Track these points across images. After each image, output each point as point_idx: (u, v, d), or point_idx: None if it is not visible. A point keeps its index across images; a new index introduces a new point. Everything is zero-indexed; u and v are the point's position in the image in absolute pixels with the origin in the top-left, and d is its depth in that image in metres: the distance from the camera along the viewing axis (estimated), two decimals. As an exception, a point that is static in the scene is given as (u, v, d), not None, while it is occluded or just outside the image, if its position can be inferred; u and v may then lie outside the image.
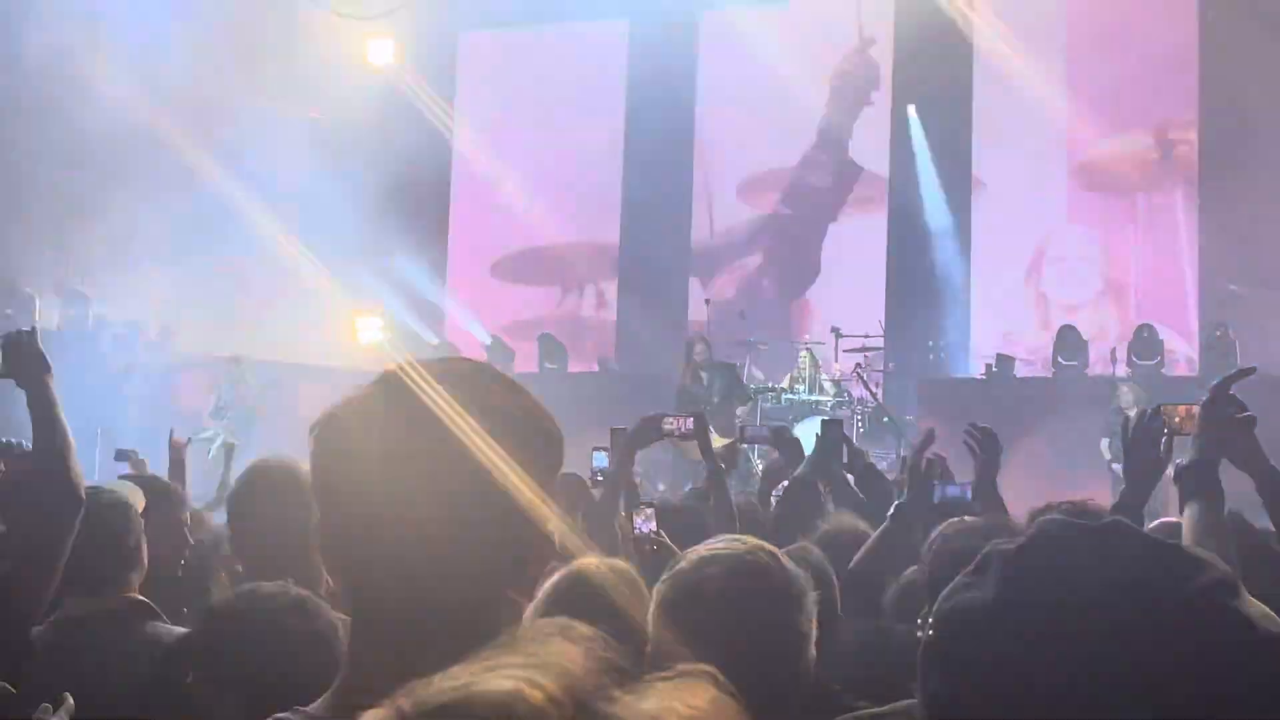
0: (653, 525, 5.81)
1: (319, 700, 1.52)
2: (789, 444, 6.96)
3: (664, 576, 2.51)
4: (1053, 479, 12.96)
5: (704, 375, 15.59)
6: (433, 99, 20.00)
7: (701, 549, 2.51)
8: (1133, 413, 4.52)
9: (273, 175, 19.06)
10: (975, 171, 18.59)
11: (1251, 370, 3.55)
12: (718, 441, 12.03)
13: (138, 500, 4.05)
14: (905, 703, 2.73)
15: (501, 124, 20.90)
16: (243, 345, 17.09)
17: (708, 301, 18.36)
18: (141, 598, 3.86)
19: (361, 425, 1.51)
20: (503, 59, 21.16)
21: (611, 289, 20.66)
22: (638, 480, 13.86)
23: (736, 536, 2.59)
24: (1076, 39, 17.95)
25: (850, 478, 6.71)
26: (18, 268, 15.52)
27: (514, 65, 20.92)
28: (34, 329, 3.61)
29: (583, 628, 0.76)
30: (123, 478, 4.62)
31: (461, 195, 21.38)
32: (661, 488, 14.96)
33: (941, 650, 1.19)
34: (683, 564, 2.47)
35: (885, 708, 2.97)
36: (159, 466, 8.44)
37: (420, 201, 20.21)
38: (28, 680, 2.89)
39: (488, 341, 19.48)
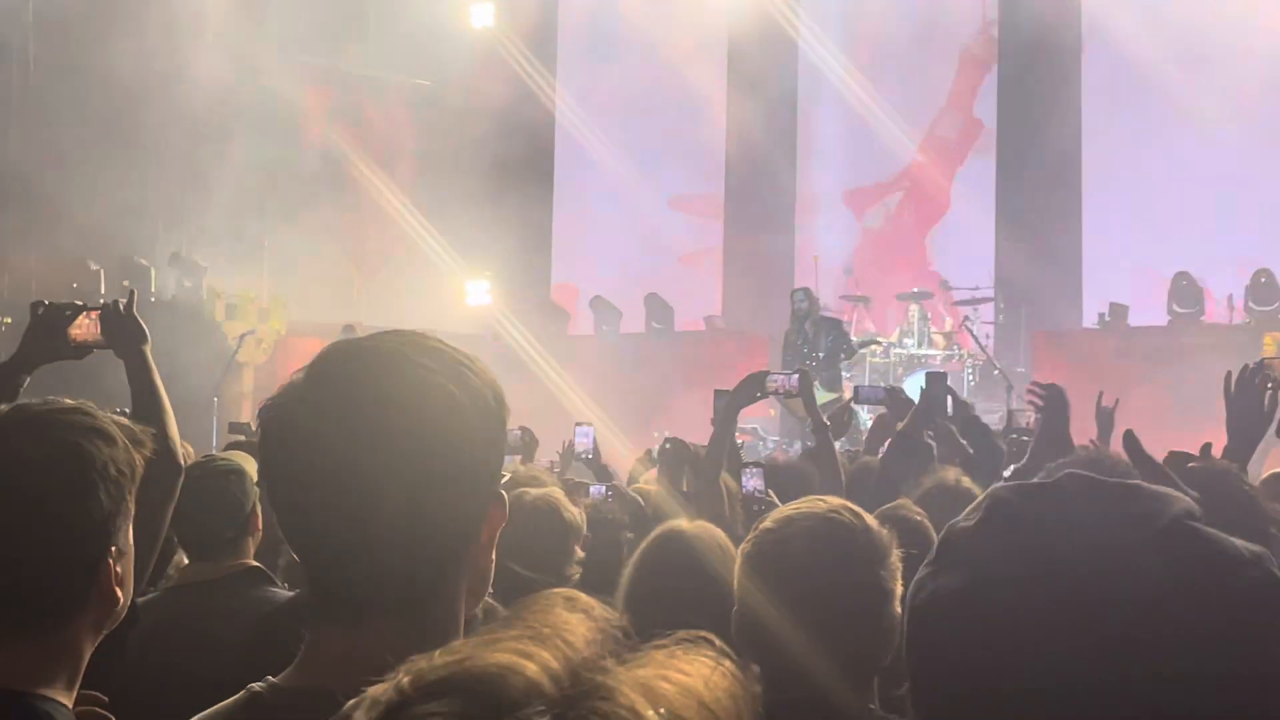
0: (760, 484, 5.83)
1: (286, 671, 1.58)
2: (903, 405, 6.91)
3: (749, 536, 2.55)
4: (1172, 429, 12.73)
5: (809, 330, 15.44)
6: (531, 61, 20.06)
7: (786, 508, 2.55)
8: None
9: (381, 141, 19.26)
10: (1085, 120, 18.28)
11: None
12: (824, 399, 12.00)
13: (251, 468, 4.14)
14: None
15: (602, 81, 20.90)
16: (354, 312, 17.33)
17: (815, 259, 18.25)
18: (256, 563, 3.95)
19: (300, 407, 1.55)
20: (601, 16, 21.13)
21: (717, 247, 20.60)
22: (748, 437, 13.91)
23: (820, 497, 2.61)
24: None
25: (955, 431, 6.66)
26: (133, 240, 15.84)
27: (612, 21, 20.89)
28: (131, 298, 3.67)
29: (585, 598, 0.77)
30: (234, 445, 4.71)
31: (564, 156, 21.42)
32: (771, 444, 14.97)
33: (920, 648, 1.18)
34: (767, 523, 2.51)
35: None
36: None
37: (524, 163, 20.29)
38: (137, 646, 2.96)
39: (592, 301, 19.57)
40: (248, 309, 16.46)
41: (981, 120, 19.41)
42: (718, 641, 0.75)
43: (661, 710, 0.68)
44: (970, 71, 19.47)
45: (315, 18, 17.38)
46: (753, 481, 5.88)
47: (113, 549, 2.00)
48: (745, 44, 19.45)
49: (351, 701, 0.71)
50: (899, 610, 2.44)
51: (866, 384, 12.05)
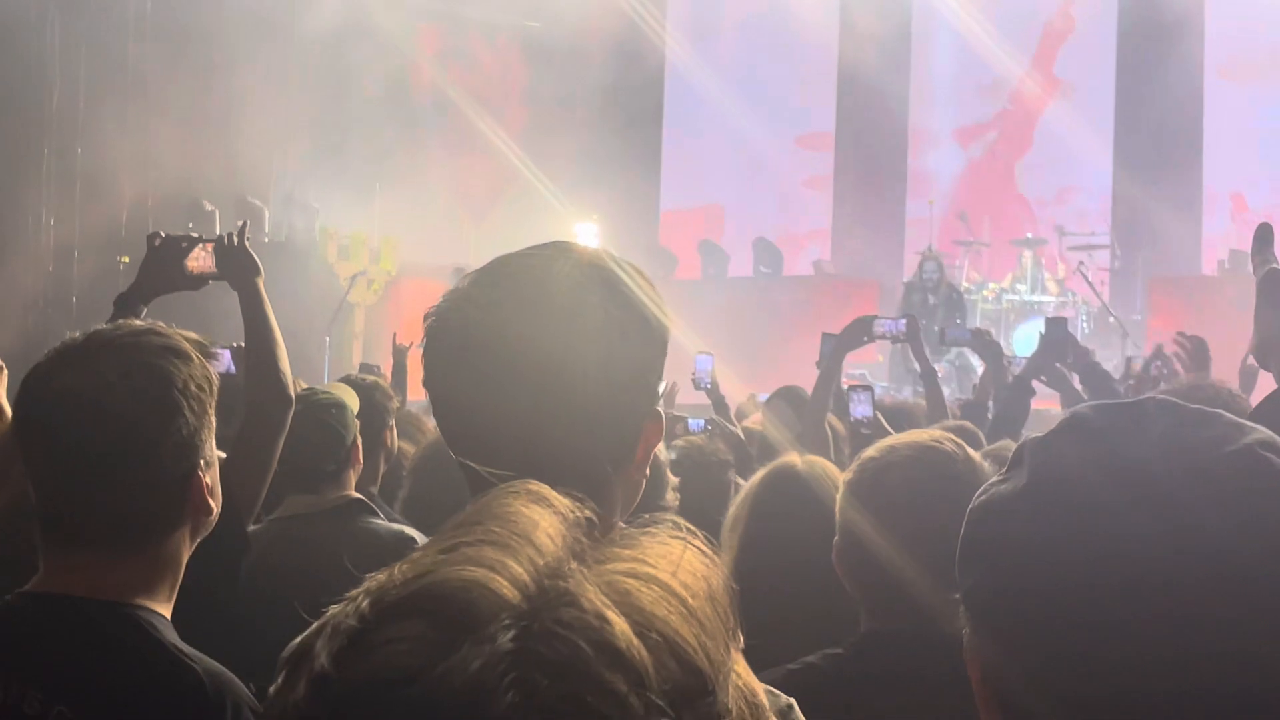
0: (868, 410, 5.74)
1: None
2: (989, 346, 6.82)
3: (852, 465, 2.55)
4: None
5: (930, 299, 15.30)
6: (643, 3, 19.92)
7: (888, 440, 2.56)
8: None
9: (491, 83, 19.29)
10: (1208, 60, 17.83)
11: None
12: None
13: (353, 401, 4.16)
14: None
15: (713, 23, 20.81)
16: (464, 254, 17.42)
17: (931, 203, 18.01)
18: (358, 494, 3.98)
19: (471, 309, 1.55)
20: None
21: (827, 191, 20.44)
22: (856, 382, 13.81)
23: (924, 429, 2.66)
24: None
25: (1075, 377, 6.55)
26: (247, 182, 16.03)
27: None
28: (243, 229, 3.70)
29: (548, 491, 0.76)
30: (342, 380, 4.74)
31: (674, 99, 21.33)
32: (879, 389, 14.85)
33: (972, 542, 1.18)
34: (870, 452, 2.52)
35: None
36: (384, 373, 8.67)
37: (633, 105, 20.23)
38: (247, 575, 2.99)
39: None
40: (359, 250, 16.62)
41: (1060, 79, 19.62)
42: (683, 522, 0.74)
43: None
44: (1051, 40, 19.72)
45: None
46: (861, 408, 5.76)
47: (201, 462, 2.05)
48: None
49: (313, 627, 0.69)
50: None
51: (955, 326, 11.83)
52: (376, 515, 3.93)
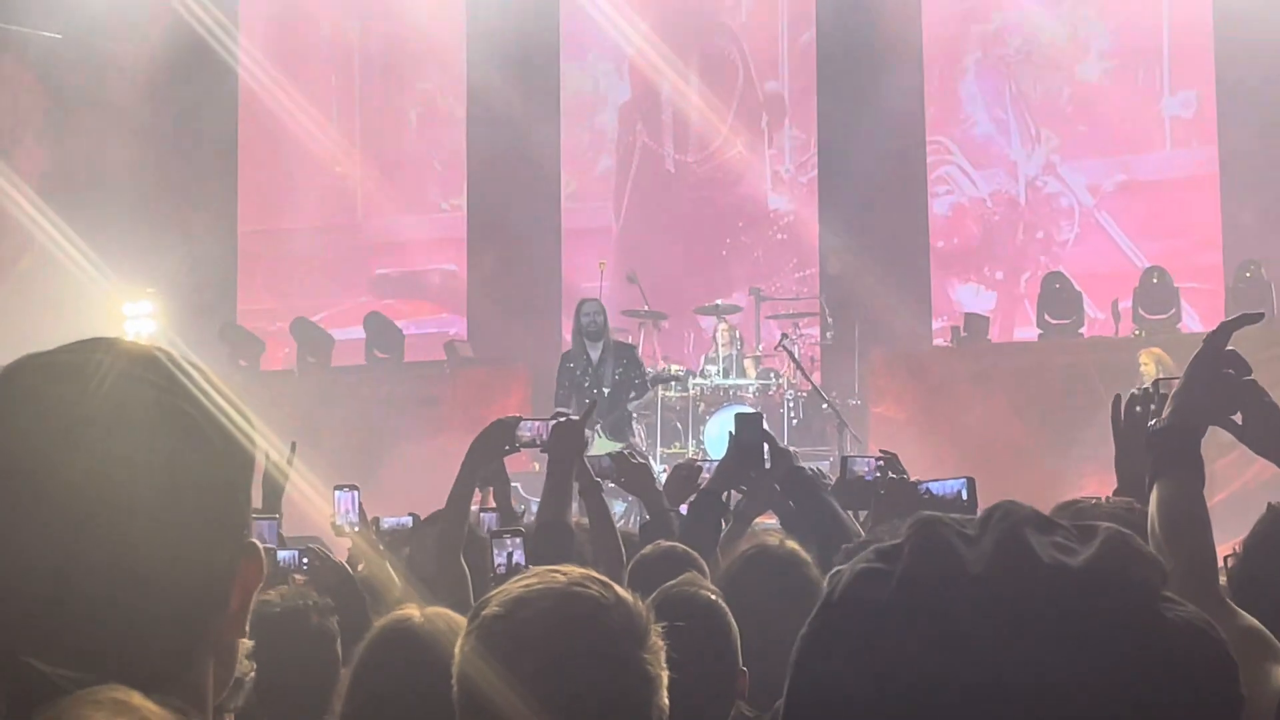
0: (520, 558, 5.71)
1: None
2: (635, 471, 6.93)
3: (469, 625, 2.52)
4: (1049, 472, 13.01)
5: (592, 354, 15.04)
6: (205, 6, 19.67)
7: (514, 587, 2.52)
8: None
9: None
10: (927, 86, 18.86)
11: (1259, 317, 3.39)
12: (605, 449, 11.90)
13: None
14: None
15: (298, 58, 20.90)
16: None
17: (602, 265, 18.04)
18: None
19: None
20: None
21: (459, 252, 20.53)
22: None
23: (555, 567, 2.58)
24: None
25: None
26: None
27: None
28: None
29: (136, 700, 0.74)
30: None
31: (252, 146, 21.14)
32: (534, 506, 14.88)
33: (798, 661, 1.37)
34: (491, 607, 2.49)
35: None
36: None
37: (203, 155, 20.00)
38: None
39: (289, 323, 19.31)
40: None
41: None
42: None
43: None
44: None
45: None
46: (515, 554, 5.70)
47: None
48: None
49: None
50: (666, 702, 2.48)
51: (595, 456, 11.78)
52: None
